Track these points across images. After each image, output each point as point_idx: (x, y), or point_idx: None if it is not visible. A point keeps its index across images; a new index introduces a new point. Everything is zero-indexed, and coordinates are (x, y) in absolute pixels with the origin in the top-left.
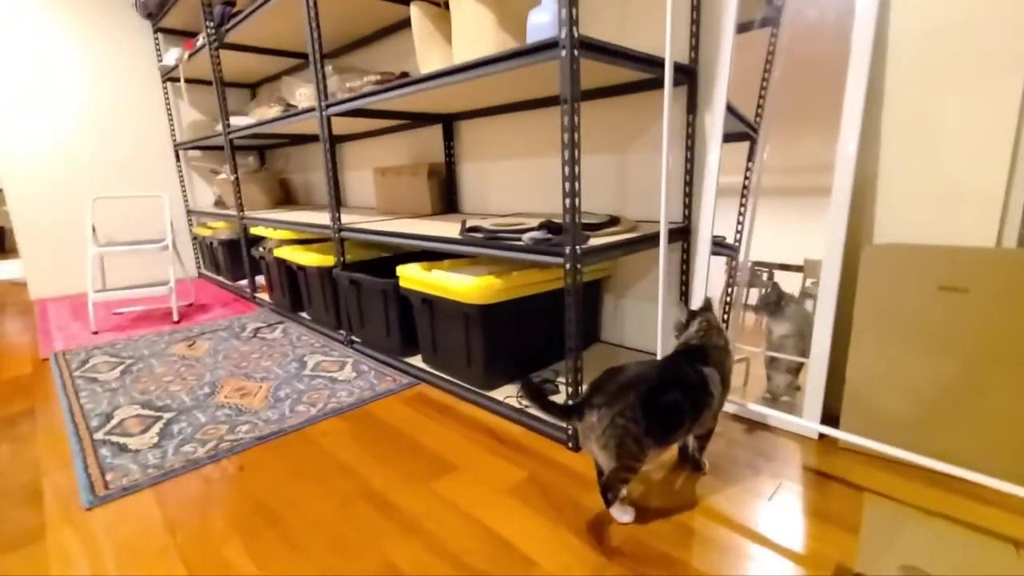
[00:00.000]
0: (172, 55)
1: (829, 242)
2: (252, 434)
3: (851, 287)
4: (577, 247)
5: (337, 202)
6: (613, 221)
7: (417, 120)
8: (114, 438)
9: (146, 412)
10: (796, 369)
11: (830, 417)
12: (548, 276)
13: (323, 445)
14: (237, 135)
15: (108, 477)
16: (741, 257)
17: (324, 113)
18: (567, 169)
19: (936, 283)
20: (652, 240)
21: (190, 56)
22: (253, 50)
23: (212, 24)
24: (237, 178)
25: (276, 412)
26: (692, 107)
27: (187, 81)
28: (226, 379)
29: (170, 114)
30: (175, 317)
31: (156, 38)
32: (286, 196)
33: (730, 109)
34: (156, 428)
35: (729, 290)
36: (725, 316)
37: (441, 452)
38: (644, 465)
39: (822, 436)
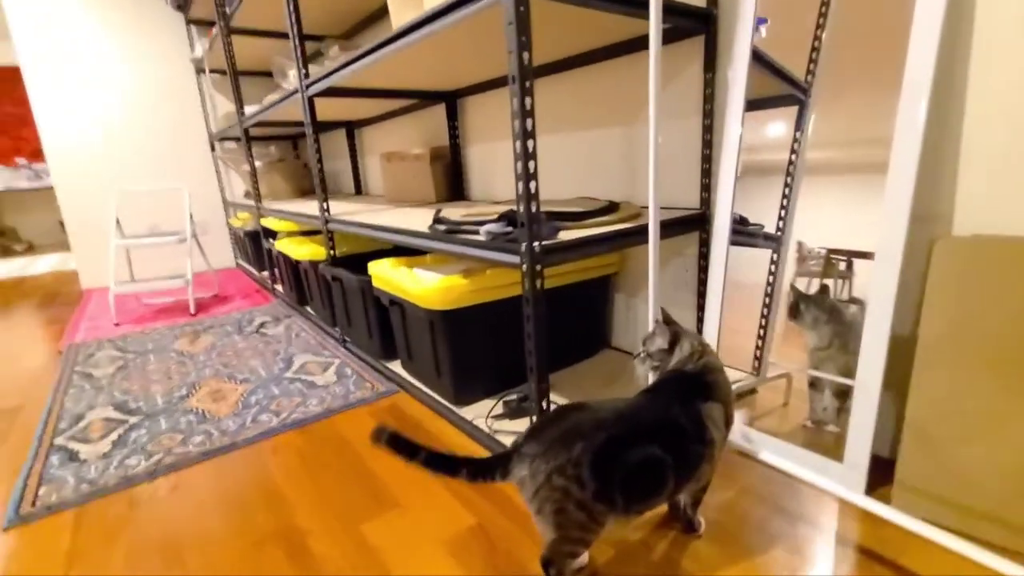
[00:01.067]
0: (200, 46)
1: (886, 230)
2: (203, 447)
3: (914, 291)
4: (535, 243)
5: (326, 193)
6: (609, 208)
7: (415, 98)
8: (71, 444)
9: (115, 415)
10: (845, 391)
11: (884, 464)
12: None
13: (267, 465)
14: (250, 124)
15: (41, 491)
16: (784, 249)
17: (306, 94)
18: (518, 144)
19: None
20: (641, 234)
21: (211, 44)
22: (262, 34)
23: (222, 9)
24: (253, 168)
25: (237, 422)
26: (711, 63)
27: (212, 72)
28: (208, 380)
29: (204, 105)
30: (191, 310)
31: (189, 29)
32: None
33: (766, 62)
34: (115, 435)
35: (769, 289)
36: (763, 322)
37: (389, 482)
38: (600, 535)
39: (872, 487)
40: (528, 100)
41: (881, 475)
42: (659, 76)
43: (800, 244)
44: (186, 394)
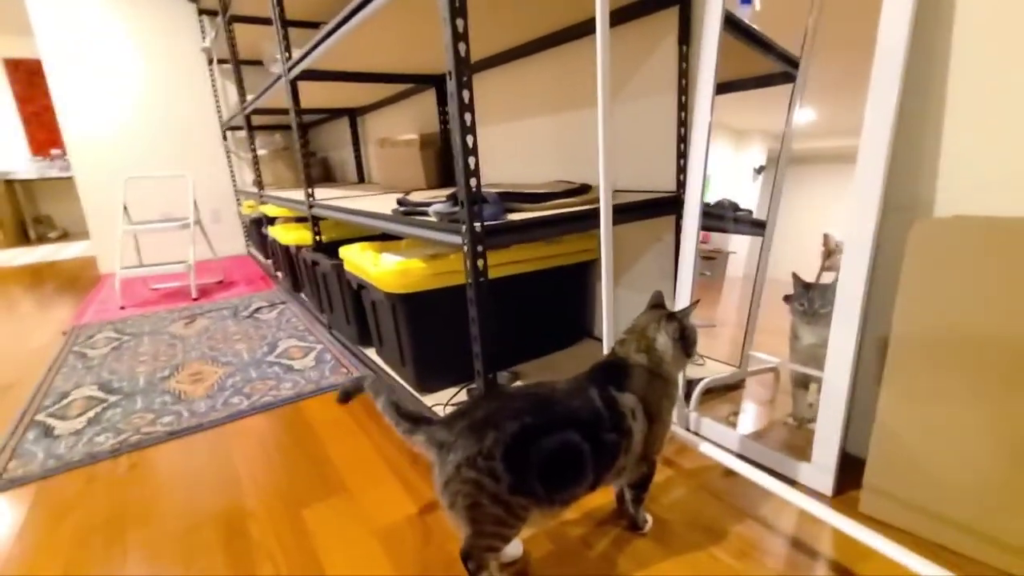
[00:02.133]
0: (209, 36)
1: (856, 214)
2: (169, 427)
3: (888, 280)
4: (476, 223)
5: (310, 177)
6: (579, 190)
7: (404, 82)
8: (50, 420)
9: (98, 394)
10: None
11: (853, 463)
12: (502, 259)
13: (228, 447)
14: (249, 110)
15: (11, 465)
16: (769, 235)
17: (287, 77)
18: (455, 105)
19: None
20: (618, 212)
21: (216, 33)
22: (262, 21)
23: None
24: (255, 155)
25: (209, 403)
26: (685, 35)
27: (220, 62)
28: (192, 362)
29: (216, 95)
30: (193, 295)
31: (200, 19)
32: (324, 174)
33: (748, 33)
34: (92, 412)
35: (756, 277)
36: (748, 313)
37: (342, 468)
38: (521, 529)
39: (839, 490)
40: (463, 46)
41: (852, 476)
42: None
43: (826, 236)
44: (168, 375)
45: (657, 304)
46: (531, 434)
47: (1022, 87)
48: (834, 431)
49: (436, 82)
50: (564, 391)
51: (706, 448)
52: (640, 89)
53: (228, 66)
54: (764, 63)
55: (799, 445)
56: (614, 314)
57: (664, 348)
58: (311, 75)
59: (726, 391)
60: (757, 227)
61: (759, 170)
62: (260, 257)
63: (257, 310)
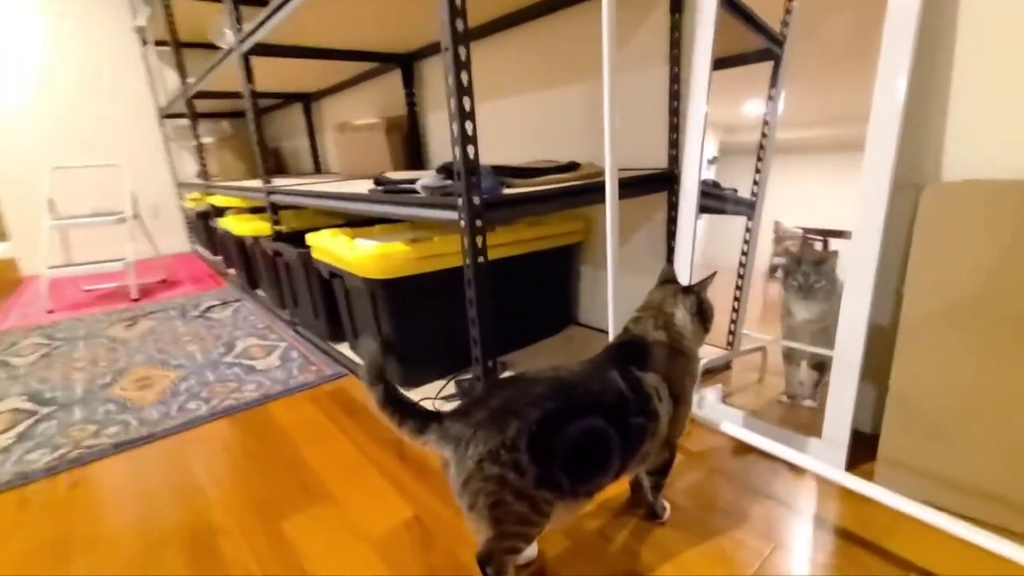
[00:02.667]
0: (143, 14)
1: (869, 183)
2: (117, 439)
3: (900, 249)
4: (474, 196)
5: (268, 166)
6: (568, 167)
7: (367, 60)
8: None
9: (27, 406)
10: (824, 363)
11: (865, 440)
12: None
13: (187, 458)
14: (192, 93)
15: None
16: (756, 216)
17: (240, 50)
18: (451, 78)
19: None
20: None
21: (152, 11)
22: None
23: None
24: (200, 144)
25: (161, 410)
26: (677, 2)
27: (158, 44)
28: (137, 367)
29: (152, 79)
30: (133, 295)
31: None
32: (276, 166)
33: (735, 6)
34: (22, 427)
35: (743, 259)
36: (737, 294)
37: (322, 472)
38: (545, 527)
39: (850, 466)
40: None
41: (861, 451)
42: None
43: (777, 223)
44: (110, 382)
45: (668, 279)
46: (555, 421)
47: None
48: (846, 405)
49: (402, 61)
50: (584, 373)
51: (728, 428)
52: (629, 62)
53: (165, 49)
54: (746, 39)
55: (800, 423)
56: (601, 297)
57: (683, 323)
58: (267, 50)
59: (715, 373)
60: (741, 205)
61: (712, 161)
62: (207, 254)
63: (208, 309)
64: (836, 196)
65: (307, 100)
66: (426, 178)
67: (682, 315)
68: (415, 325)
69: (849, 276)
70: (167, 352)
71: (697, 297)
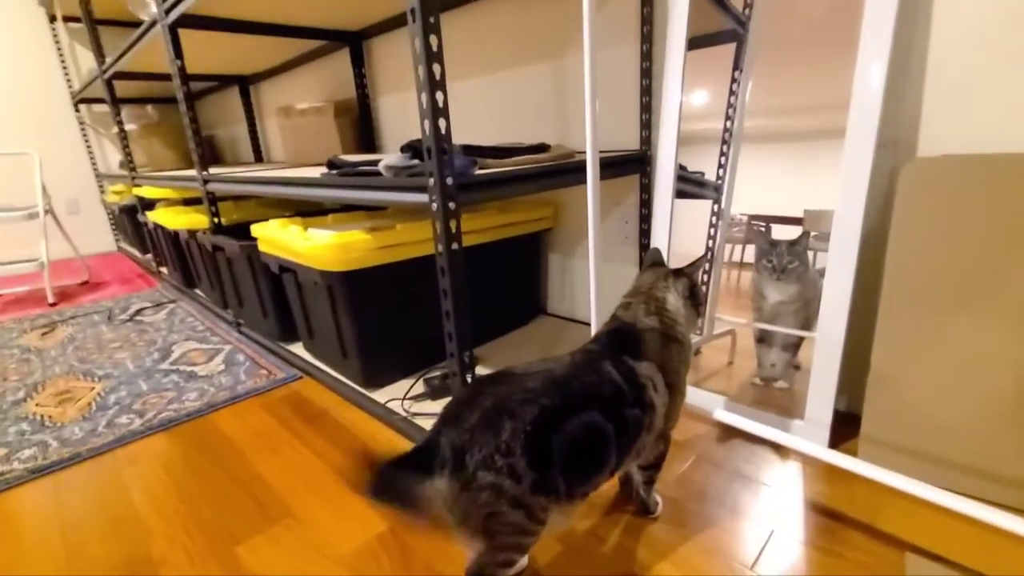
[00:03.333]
0: None
1: (850, 159)
2: (33, 463)
3: (880, 229)
4: (447, 177)
5: (204, 152)
6: (539, 148)
7: (311, 37)
8: None
9: None
10: (795, 344)
11: (847, 418)
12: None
13: (120, 480)
14: (110, 73)
15: None
16: (725, 200)
17: (165, 23)
18: (418, 41)
19: None
20: (580, 171)
21: None
22: None
23: None
24: (122, 130)
25: (86, 427)
26: None
27: (67, 20)
28: (56, 379)
29: (63, 60)
30: (49, 299)
31: None
32: (212, 156)
33: None
34: None
35: (711, 243)
36: (706, 278)
37: (280, 488)
38: (541, 535)
39: (832, 445)
40: None
41: (840, 430)
42: None
43: (718, 208)
44: (23, 398)
45: (656, 262)
46: (552, 419)
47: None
48: (829, 384)
49: (351, 40)
50: (578, 365)
51: (721, 415)
52: (603, 34)
53: (78, 26)
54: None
55: (776, 404)
56: (570, 286)
57: (676, 308)
58: (197, 22)
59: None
60: (708, 189)
61: None
62: (136, 252)
63: (139, 312)
64: (784, 184)
65: (244, 83)
66: (390, 158)
67: (675, 299)
68: (378, 321)
69: (831, 256)
70: (91, 361)
71: (689, 280)
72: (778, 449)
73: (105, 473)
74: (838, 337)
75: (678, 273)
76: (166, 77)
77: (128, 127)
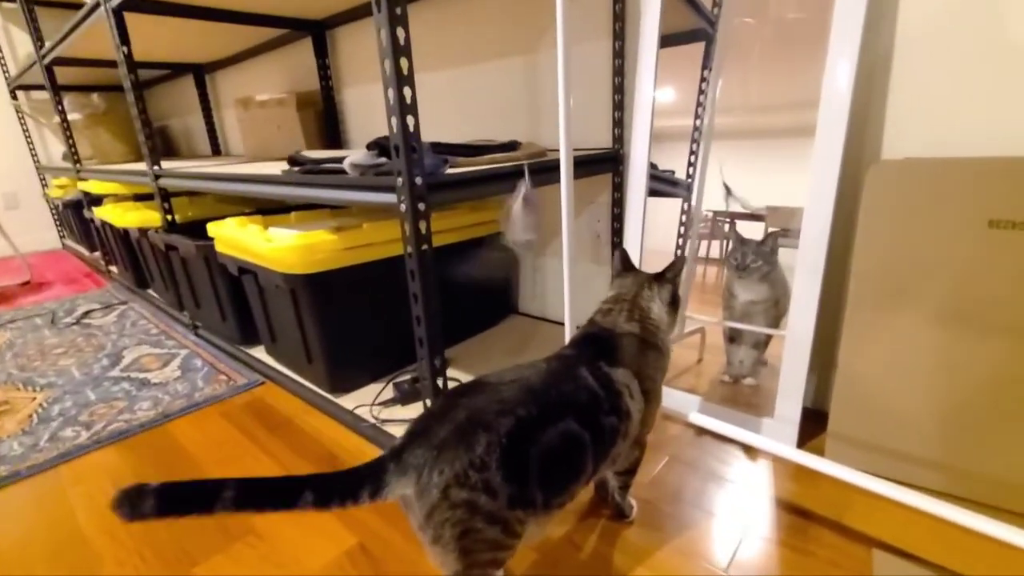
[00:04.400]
0: None
1: (819, 164)
2: None
3: (847, 230)
4: (416, 176)
5: (155, 145)
6: (509, 145)
7: (271, 25)
8: None
9: None
10: (764, 342)
11: (816, 415)
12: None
13: (65, 498)
14: (50, 58)
15: None
16: (695, 198)
17: (109, 5)
18: (384, 34)
19: (984, 216)
20: (552, 170)
21: None
22: None
23: None
24: (65, 120)
25: (27, 442)
26: None
27: None
28: None
29: None
30: None
31: None
32: (165, 148)
33: None
34: None
35: (680, 240)
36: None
37: None
38: (517, 549)
39: (800, 443)
40: None
41: (807, 427)
42: None
43: (700, 208)
44: None
45: (628, 265)
46: (528, 430)
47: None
48: (798, 383)
49: (314, 29)
50: (554, 372)
51: (695, 417)
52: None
53: (12, 6)
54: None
55: (744, 402)
56: (542, 285)
57: (660, 316)
58: (143, 5)
59: None
60: (679, 188)
61: None
62: (83, 250)
63: (86, 314)
64: (747, 180)
65: (200, 71)
66: (355, 155)
67: (659, 308)
68: (345, 324)
69: (800, 255)
70: (31, 369)
71: (672, 286)
72: (749, 448)
73: (48, 493)
74: (807, 336)
75: (661, 280)
76: (113, 64)
77: (72, 116)
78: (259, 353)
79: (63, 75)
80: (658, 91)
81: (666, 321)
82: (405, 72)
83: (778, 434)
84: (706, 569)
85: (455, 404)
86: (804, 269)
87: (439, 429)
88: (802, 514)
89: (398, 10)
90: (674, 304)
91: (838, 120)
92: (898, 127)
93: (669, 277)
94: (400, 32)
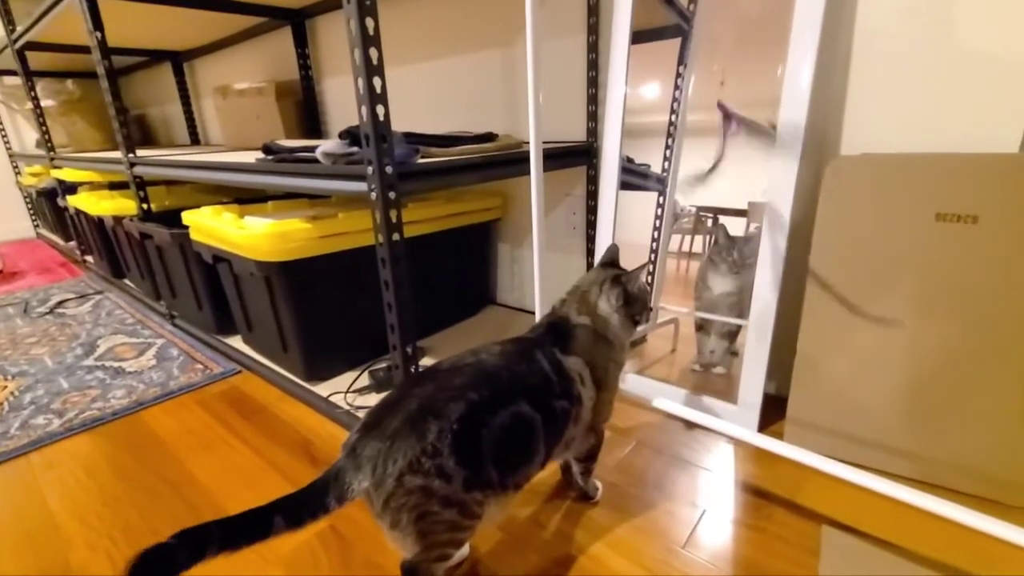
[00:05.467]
0: None
1: (781, 146)
2: None
3: (808, 223)
4: (387, 165)
5: (130, 133)
6: (485, 137)
7: (248, 13)
8: None
9: None
10: (733, 332)
11: (777, 401)
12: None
13: (36, 485)
14: (22, 44)
15: None
16: (669, 192)
17: None
18: (354, 24)
19: (931, 209)
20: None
21: None
22: None
23: None
24: (38, 106)
25: None
26: None
27: None
28: None
29: None
30: None
31: None
32: (142, 136)
33: None
34: None
35: (656, 234)
36: (651, 269)
37: (215, 489)
38: (477, 529)
39: (761, 428)
40: None
41: (769, 412)
42: None
43: (675, 201)
44: None
45: (611, 261)
46: (480, 413)
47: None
48: (759, 370)
49: (293, 18)
50: (508, 355)
51: (660, 403)
52: (545, 29)
53: None
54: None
55: (713, 389)
56: (520, 276)
57: (607, 314)
58: None
59: (633, 346)
60: (654, 181)
61: None
62: (57, 239)
63: (60, 304)
64: (730, 176)
65: (178, 59)
66: (328, 144)
67: (606, 306)
68: (321, 312)
69: (762, 247)
70: (3, 358)
71: (624, 289)
72: (714, 433)
73: (18, 479)
74: (768, 325)
75: (616, 280)
76: (88, 50)
77: (45, 103)
78: (236, 342)
79: (36, 60)
80: (640, 86)
81: (616, 320)
82: (375, 62)
83: (740, 419)
84: (664, 545)
85: (408, 394)
86: (766, 261)
87: (391, 420)
88: (759, 494)
89: (367, 0)
90: (628, 307)
91: (798, 117)
92: (856, 124)
93: (624, 281)
94: (369, 22)
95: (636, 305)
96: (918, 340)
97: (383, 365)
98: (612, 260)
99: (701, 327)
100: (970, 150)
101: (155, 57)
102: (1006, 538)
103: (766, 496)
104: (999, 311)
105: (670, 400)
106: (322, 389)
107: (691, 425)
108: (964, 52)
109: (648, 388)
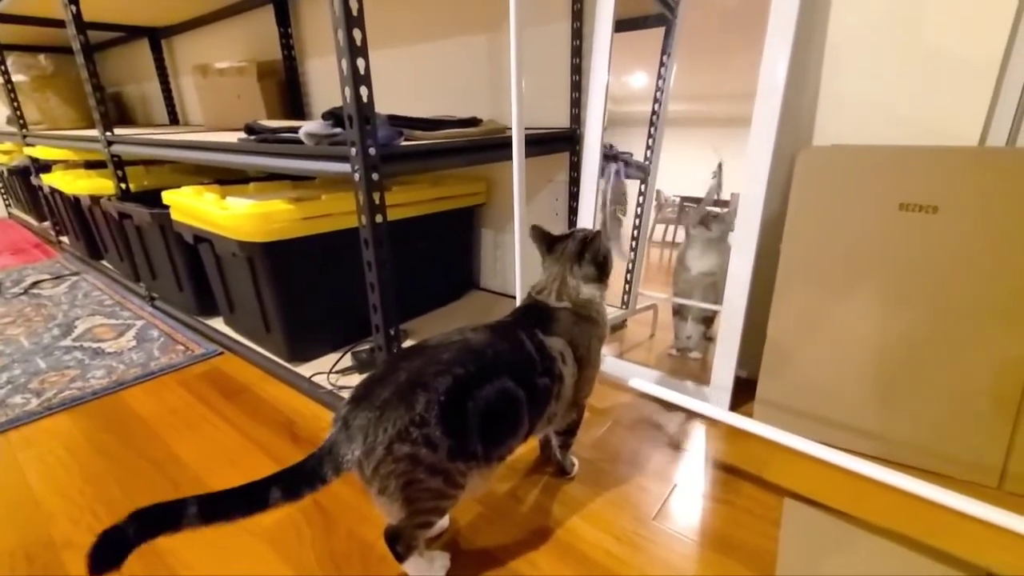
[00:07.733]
0: None
1: (755, 137)
2: None
3: (780, 212)
4: (370, 147)
5: (107, 111)
6: (469, 122)
7: None
8: None
9: None
10: (709, 318)
11: (747, 384)
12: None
13: (16, 463)
14: None
15: None
16: (650, 179)
17: None
18: (337, 3)
19: (896, 199)
20: (510, 147)
21: None
22: None
23: None
24: (9, 81)
25: None
26: None
27: None
28: None
29: None
30: None
31: None
32: (119, 115)
33: None
34: None
35: (637, 221)
36: (632, 256)
37: (198, 466)
38: (460, 498)
39: (733, 407)
40: None
41: (740, 395)
42: None
43: (658, 192)
44: None
45: (540, 237)
46: (466, 387)
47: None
48: (731, 353)
49: None
50: (492, 333)
51: (636, 383)
52: (530, 15)
53: None
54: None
55: (689, 373)
56: (503, 261)
57: (591, 295)
58: None
59: (613, 332)
60: (635, 169)
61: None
62: (31, 219)
63: (35, 284)
64: (710, 167)
65: (156, 35)
66: (311, 125)
67: (588, 289)
68: (304, 294)
69: (736, 235)
70: None
71: (593, 262)
72: (688, 413)
73: None
74: (740, 310)
75: (580, 258)
76: (61, 24)
77: (16, 78)
78: (217, 324)
79: (6, 33)
80: (628, 75)
81: (598, 295)
82: (359, 43)
83: (713, 399)
84: (635, 517)
85: (396, 367)
86: (739, 248)
87: (381, 391)
88: (728, 470)
89: None
90: (601, 270)
91: (772, 109)
92: (828, 116)
93: (589, 255)
94: (353, 2)
95: (605, 267)
96: (883, 325)
97: (366, 347)
98: (544, 234)
99: (678, 312)
100: (935, 143)
101: (132, 33)
102: (954, 506)
103: (735, 472)
104: (957, 298)
105: (649, 382)
106: (305, 370)
107: (666, 405)
108: (930, 50)
109: (625, 370)
